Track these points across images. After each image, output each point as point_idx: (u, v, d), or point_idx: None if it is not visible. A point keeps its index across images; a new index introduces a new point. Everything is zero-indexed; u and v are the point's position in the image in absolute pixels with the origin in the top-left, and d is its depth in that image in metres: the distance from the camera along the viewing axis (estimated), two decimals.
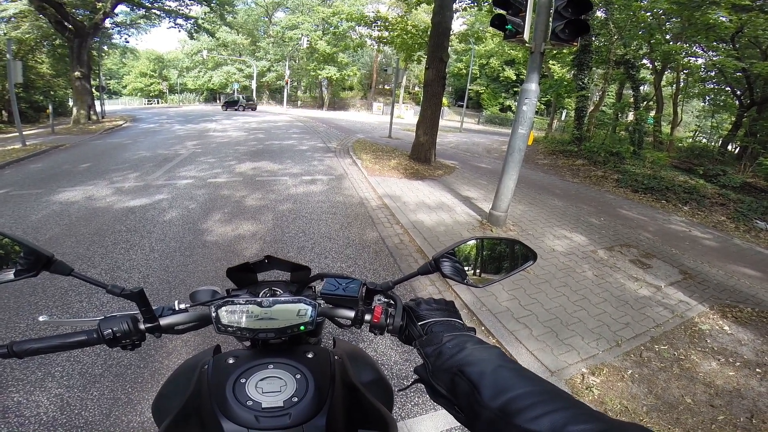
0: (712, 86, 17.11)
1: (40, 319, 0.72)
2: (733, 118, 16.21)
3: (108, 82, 44.03)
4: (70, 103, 17.76)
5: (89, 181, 6.28)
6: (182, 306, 0.75)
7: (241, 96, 29.80)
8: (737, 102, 15.61)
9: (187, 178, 6.83)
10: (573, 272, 4.25)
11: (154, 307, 0.73)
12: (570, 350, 2.86)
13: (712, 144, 18.55)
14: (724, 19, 10.10)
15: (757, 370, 2.88)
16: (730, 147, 16.65)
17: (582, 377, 2.59)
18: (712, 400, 2.50)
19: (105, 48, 24.16)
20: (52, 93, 19.74)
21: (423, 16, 22.63)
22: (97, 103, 17.92)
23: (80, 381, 2.15)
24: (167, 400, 0.81)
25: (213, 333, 0.68)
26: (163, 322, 0.73)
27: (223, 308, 0.67)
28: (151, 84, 47.31)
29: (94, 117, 16.69)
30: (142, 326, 0.70)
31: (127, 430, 1.90)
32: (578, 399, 0.48)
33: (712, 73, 15.20)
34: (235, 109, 26.95)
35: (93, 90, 17.53)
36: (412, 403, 2.23)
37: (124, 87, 48.61)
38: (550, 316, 3.30)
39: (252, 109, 28.10)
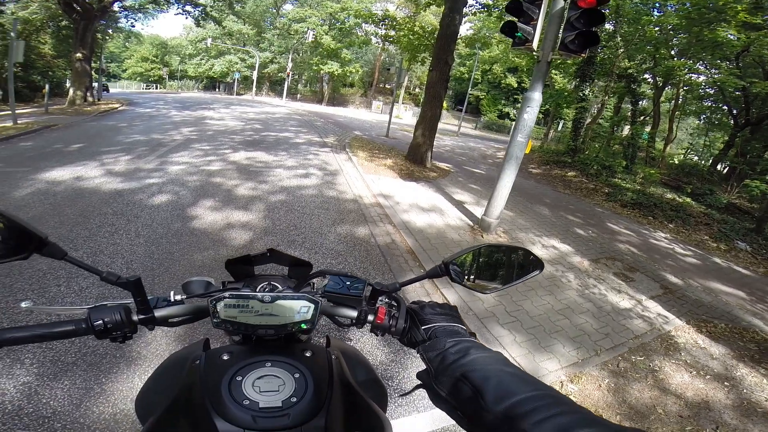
0: (709, 104, 17.34)
1: (23, 305, 0.65)
2: (726, 138, 16.46)
3: (108, 65, 43.48)
4: (68, 85, 17.45)
5: (79, 162, 6.19)
6: (178, 297, 0.71)
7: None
8: (732, 121, 15.85)
9: (179, 164, 6.76)
10: (559, 281, 4.30)
11: (149, 297, 0.69)
12: (551, 357, 2.90)
13: (702, 163, 18.83)
14: (732, 37, 10.17)
15: (725, 383, 2.96)
16: (719, 166, 16.91)
17: (561, 384, 2.63)
18: (681, 411, 2.58)
19: (110, 31, 23.82)
20: (50, 73, 19.38)
21: (430, 18, 22.67)
22: (95, 85, 17.68)
23: (51, 369, 2.06)
24: (153, 395, 0.78)
25: (196, 325, 0.66)
26: (158, 314, 0.69)
27: (222, 302, 0.63)
28: (152, 69, 46.84)
29: (90, 99, 16.46)
30: (135, 317, 0.66)
31: (98, 422, 1.84)
32: (580, 404, 0.48)
33: (711, 91, 15.38)
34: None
35: (93, 72, 17.25)
36: (396, 403, 2.24)
37: (124, 71, 48.08)
38: (534, 324, 3.33)
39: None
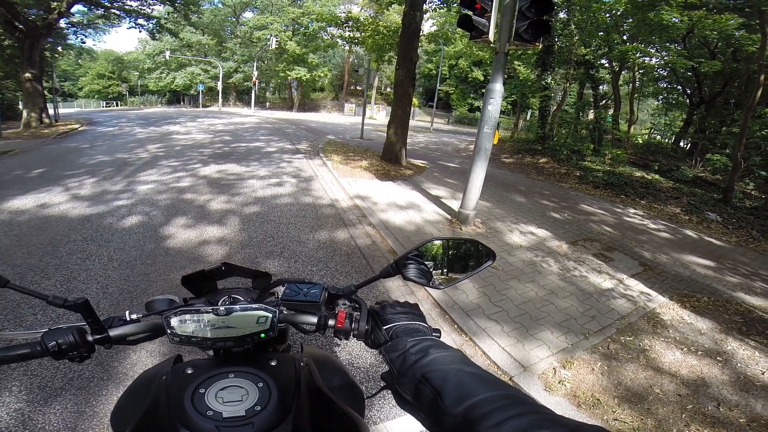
0: (664, 85, 18.04)
1: None
2: (684, 116, 17.16)
3: (63, 84, 41.69)
4: (21, 107, 16.62)
5: (42, 188, 5.90)
6: (134, 316, 0.73)
7: None
8: (688, 100, 16.53)
9: (148, 183, 6.54)
10: (540, 267, 4.36)
11: (103, 318, 0.70)
12: (540, 345, 2.92)
13: (666, 141, 19.57)
14: (675, 20, 10.65)
15: (718, 358, 2.99)
16: (682, 143, 17.61)
17: (554, 371, 2.64)
18: (679, 390, 2.59)
19: (59, 48, 22.79)
20: (0, 95, 18.46)
21: (394, 17, 22.72)
22: (50, 105, 16.89)
23: (40, 395, 2.06)
24: (126, 411, 0.80)
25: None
26: (113, 333, 0.70)
27: (176, 317, 0.65)
28: (110, 86, 45.21)
29: (46, 120, 15.73)
30: (89, 338, 0.67)
31: None
32: (540, 403, 0.48)
33: (665, 73, 16.01)
34: None
35: (45, 92, 16.48)
36: (391, 404, 2.20)
37: (80, 89, 46.21)
38: (520, 312, 3.36)
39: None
